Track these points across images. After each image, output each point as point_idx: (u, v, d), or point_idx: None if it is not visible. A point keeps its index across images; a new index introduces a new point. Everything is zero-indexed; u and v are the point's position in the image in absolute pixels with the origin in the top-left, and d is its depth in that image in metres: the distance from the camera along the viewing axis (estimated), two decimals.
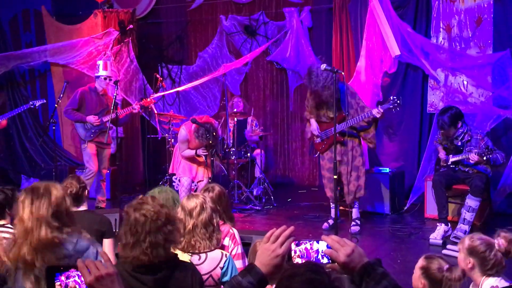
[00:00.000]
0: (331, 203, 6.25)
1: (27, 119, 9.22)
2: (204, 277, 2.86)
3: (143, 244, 2.20)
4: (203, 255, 2.91)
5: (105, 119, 6.76)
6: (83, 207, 3.94)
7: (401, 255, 5.27)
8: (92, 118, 6.75)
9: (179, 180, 7.05)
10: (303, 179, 8.97)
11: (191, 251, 2.91)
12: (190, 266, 2.45)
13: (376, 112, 5.72)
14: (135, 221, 2.24)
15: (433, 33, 7.26)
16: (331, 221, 6.21)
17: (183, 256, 2.89)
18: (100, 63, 6.94)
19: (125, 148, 8.90)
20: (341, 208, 6.69)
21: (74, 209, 3.82)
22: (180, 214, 2.97)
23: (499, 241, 2.90)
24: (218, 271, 2.89)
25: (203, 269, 2.88)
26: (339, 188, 6.14)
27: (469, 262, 2.87)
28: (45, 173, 8.32)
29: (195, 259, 2.89)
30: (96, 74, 6.95)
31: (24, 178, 9.01)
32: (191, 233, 2.91)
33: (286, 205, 7.46)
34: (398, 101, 5.72)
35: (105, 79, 6.86)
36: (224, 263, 2.91)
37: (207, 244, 2.92)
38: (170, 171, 6.63)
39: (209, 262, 2.89)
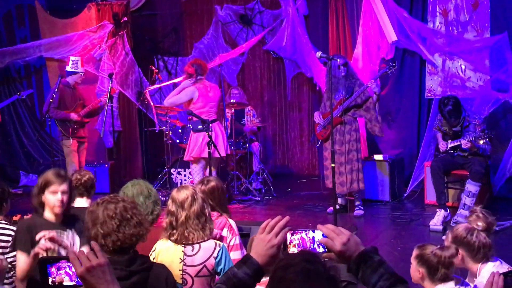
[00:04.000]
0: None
1: (23, 114, 9.18)
2: (198, 268, 2.86)
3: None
4: (196, 246, 2.89)
5: (81, 113, 6.91)
6: (88, 203, 3.88)
7: (402, 242, 5.25)
8: (75, 115, 6.85)
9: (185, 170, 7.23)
10: (303, 169, 8.94)
11: (184, 242, 2.90)
12: (164, 268, 2.44)
13: (370, 83, 5.91)
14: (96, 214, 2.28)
15: (429, 18, 7.20)
16: (337, 206, 6.16)
17: (176, 248, 2.89)
18: (77, 58, 7.01)
19: (123, 142, 8.87)
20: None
21: (84, 202, 3.82)
22: (171, 206, 2.95)
23: (476, 223, 2.92)
24: (212, 261, 2.88)
25: (197, 259, 2.87)
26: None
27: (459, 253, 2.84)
28: (43, 169, 8.25)
29: (188, 250, 2.88)
30: (74, 70, 6.98)
31: (22, 174, 8.98)
32: (184, 225, 2.89)
33: (286, 195, 7.44)
34: (393, 64, 5.88)
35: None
36: (218, 252, 2.90)
37: (200, 234, 2.90)
38: (196, 155, 6.14)
39: (202, 253, 2.88)
